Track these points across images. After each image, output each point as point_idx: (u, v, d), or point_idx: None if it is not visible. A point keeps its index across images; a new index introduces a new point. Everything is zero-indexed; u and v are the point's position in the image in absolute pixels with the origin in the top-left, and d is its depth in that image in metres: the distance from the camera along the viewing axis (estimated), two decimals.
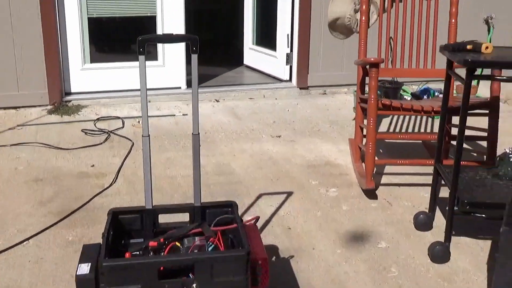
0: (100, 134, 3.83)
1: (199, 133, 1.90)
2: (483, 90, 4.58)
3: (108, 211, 1.87)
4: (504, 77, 2.27)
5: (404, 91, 4.59)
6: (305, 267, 2.27)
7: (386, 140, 3.72)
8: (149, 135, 1.85)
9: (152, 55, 4.69)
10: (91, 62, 4.56)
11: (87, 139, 3.73)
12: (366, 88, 3.10)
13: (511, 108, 4.55)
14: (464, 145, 3.36)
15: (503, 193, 2.28)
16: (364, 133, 3.26)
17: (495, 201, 2.22)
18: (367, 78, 3.06)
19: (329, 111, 4.46)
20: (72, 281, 1.75)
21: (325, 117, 4.30)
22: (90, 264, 1.66)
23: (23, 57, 4.22)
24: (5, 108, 4.27)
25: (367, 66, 3.03)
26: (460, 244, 2.44)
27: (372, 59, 2.89)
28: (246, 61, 5.70)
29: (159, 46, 4.66)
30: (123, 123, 4.04)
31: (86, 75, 4.55)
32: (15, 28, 4.16)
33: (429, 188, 2.63)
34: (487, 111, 2.93)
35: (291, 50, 4.92)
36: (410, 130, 4.09)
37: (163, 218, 1.97)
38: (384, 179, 3.11)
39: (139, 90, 1.84)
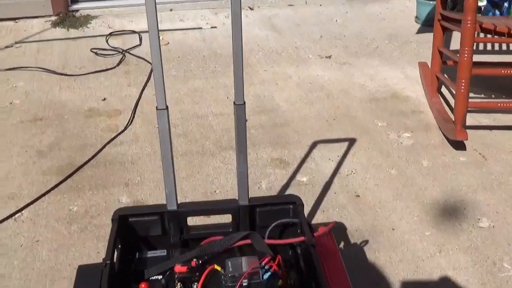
0: (113, 54, 3.17)
1: (244, 103, 1.21)
2: None
3: (112, 214, 1.26)
4: None
5: None
6: (385, 260, 1.68)
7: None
8: (167, 107, 1.19)
9: None
10: None
11: (98, 61, 3.08)
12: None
13: None
14: None
15: None
16: (444, 59, 2.56)
17: None
18: None
19: (385, 22, 3.71)
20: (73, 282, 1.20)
21: (381, 30, 3.56)
22: None
23: None
24: (2, 20, 3.61)
25: None
26: None
27: None
28: None
29: None
30: (140, 40, 3.35)
31: None
32: None
33: None
34: None
35: None
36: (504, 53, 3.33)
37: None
38: (470, 119, 2.38)
39: None
